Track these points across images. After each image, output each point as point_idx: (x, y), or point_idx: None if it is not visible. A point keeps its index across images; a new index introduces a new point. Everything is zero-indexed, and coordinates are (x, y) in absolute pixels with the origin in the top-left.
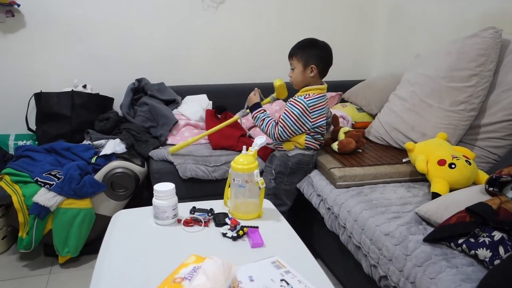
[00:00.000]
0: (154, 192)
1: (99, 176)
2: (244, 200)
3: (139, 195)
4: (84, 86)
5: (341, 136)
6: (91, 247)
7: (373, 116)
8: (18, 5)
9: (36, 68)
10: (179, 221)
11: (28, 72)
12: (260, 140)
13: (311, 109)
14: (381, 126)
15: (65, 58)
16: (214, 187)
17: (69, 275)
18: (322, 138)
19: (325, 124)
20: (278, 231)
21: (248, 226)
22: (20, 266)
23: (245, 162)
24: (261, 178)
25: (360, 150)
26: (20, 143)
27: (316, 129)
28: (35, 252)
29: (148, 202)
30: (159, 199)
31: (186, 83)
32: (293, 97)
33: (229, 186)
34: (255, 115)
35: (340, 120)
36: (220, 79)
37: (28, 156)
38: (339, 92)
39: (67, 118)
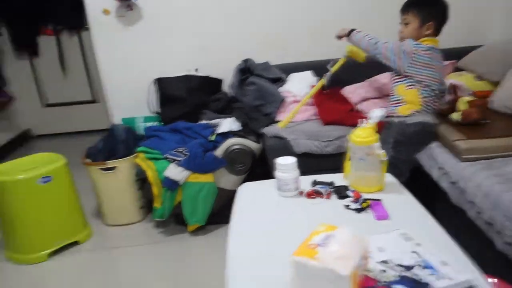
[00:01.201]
0: (276, 166)
1: (219, 152)
2: (364, 173)
3: (253, 170)
4: (196, 70)
5: (462, 105)
6: (215, 217)
7: (495, 84)
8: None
9: (155, 55)
10: (301, 193)
11: (148, 59)
12: (378, 112)
13: (414, 54)
14: (508, 93)
15: (177, 45)
16: (328, 162)
17: (198, 242)
18: (437, 101)
19: (437, 79)
20: (402, 204)
21: (370, 199)
22: (156, 233)
23: (364, 135)
24: (383, 151)
25: (488, 121)
26: (148, 124)
27: (425, 82)
28: (168, 221)
29: (262, 177)
30: (282, 172)
31: (291, 61)
32: None
33: (349, 159)
34: (357, 35)
35: None
36: (324, 55)
37: (156, 136)
38: (453, 61)
39: (184, 100)
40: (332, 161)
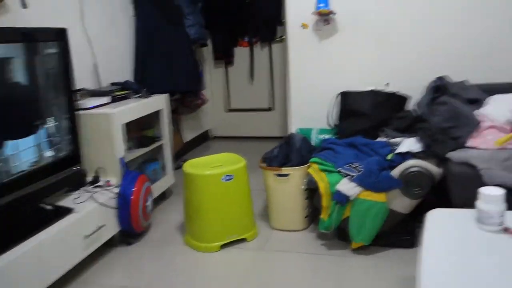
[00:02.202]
0: (480, 195)
1: (395, 172)
2: None
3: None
4: (387, 84)
5: None
6: (380, 239)
7: None
8: (334, 14)
9: (343, 68)
10: (505, 229)
11: (336, 72)
12: None
13: None
14: None
15: (369, 59)
16: None
17: (359, 261)
18: None
19: None
20: None
21: None
22: (317, 244)
23: None
24: None
25: None
26: (321, 136)
27: None
28: (331, 234)
29: (434, 206)
30: (487, 203)
31: (495, 80)
32: None
33: None
34: None
35: None
36: None
37: (331, 149)
38: None
39: (367, 115)
40: None
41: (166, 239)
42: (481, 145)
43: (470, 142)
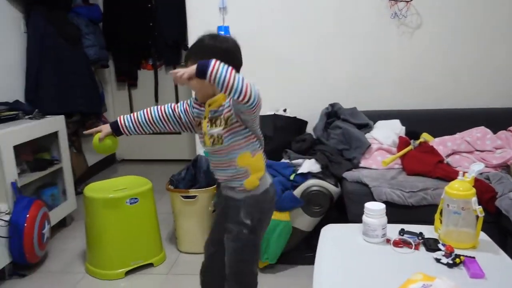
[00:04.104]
0: (365, 210)
1: (297, 192)
2: (458, 228)
3: (328, 213)
4: (285, 110)
5: None
6: (286, 256)
7: None
8: None
9: None
10: (387, 241)
11: None
12: (477, 166)
13: None
14: None
15: (268, 85)
16: (409, 213)
17: (267, 280)
18: None
19: None
20: (497, 264)
21: (464, 255)
22: None
23: (461, 188)
24: (480, 206)
25: None
26: None
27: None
28: None
29: (336, 221)
30: (370, 217)
31: (378, 108)
32: None
33: (441, 212)
34: (216, 68)
35: None
36: (413, 105)
37: None
38: None
39: (269, 138)
40: (415, 213)
41: (65, 269)
42: (372, 165)
43: (362, 163)
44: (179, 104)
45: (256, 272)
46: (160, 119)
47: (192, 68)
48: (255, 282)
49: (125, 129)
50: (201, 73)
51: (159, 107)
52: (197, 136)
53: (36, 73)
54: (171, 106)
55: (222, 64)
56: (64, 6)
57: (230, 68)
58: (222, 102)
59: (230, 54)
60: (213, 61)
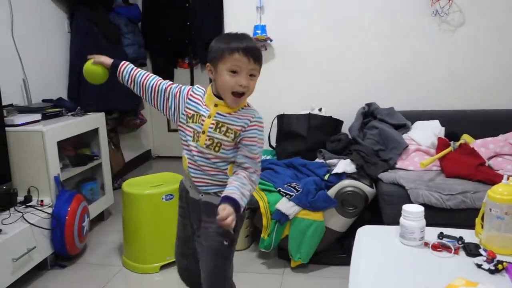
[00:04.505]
0: (403, 212)
1: (331, 192)
2: (500, 233)
3: (362, 214)
4: (320, 109)
5: None
6: (319, 256)
7: None
8: (271, 40)
9: (280, 92)
10: (425, 244)
11: (273, 96)
12: None
13: None
14: None
15: (304, 84)
16: (447, 216)
17: (299, 279)
18: None
19: None
20: None
21: (507, 262)
22: (258, 263)
23: (505, 193)
24: None
25: None
26: (262, 157)
27: None
28: (271, 253)
29: (370, 223)
30: (408, 220)
31: (417, 108)
32: (252, 118)
33: (482, 217)
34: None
35: None
36: (453, 105)
37: (271, 169)
38: None
39: (304, 137)
40: (453, 216)
41: (103, 261)
42: (409, 166)
43: (399, 164)
44: (173, 86)
45: (232, 275)
46: (152, 89)
47: (230, 212)
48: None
49: (121, 74)
50: (237, 211)
51: (157, 78)
52: None
53: (78, 72)
54: (166, 83)
55: (243, 197)
56: (105, 6)
57: (248, 193)
58: (232, 110)
59: None
60: (239, 200)
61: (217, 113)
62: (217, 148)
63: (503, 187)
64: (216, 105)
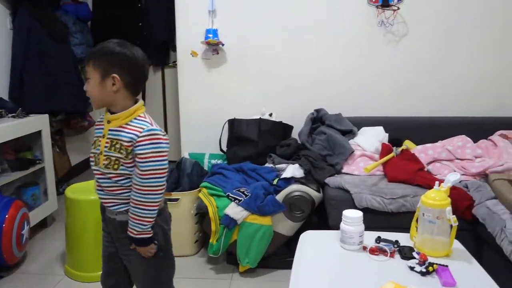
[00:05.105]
0: (343, 218)
1: (280, 197)
2: (432, 236)
3: (309, 218)
4: (270, 115)
5: None
6: (267, 261)
7: None
8: (223, 45)
9: (231, 97)
10: (364, 248)
11: (224, 100)
12: (453, 177)
13: None
14: None
15: (255, 89)
16: (389, 220)
17: (247, 283)
18: None
19: None
20: (470, 273)
21: (437, 264)
22: (207, 269)
23: (437, 198)
24: (454, 216)
25: None
26: (213, 161)
27: None
28: (220, 258)
29: (317, 227)
30: (347, 225)
31: (363, 114)
32: (140, 134)
33: (417, 220)
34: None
35: None
36: (397, 112)
37: (221, 174)
38: None
39: (254, 142)
40: (395, 220)
41: (44, 270)
42: (354, 171)
43: (345, 169)
44: None
45: (169, 280)
46: None
47: (141, 249)
48: None
49: None
50: (140, 243)
51: None
52: (182, 137)
53: (20, 71)
54: None
55: (139, 227)
56: (50, 3)
57: (141, 217)
58: (122, 123)
59: (133, 63)
60: (137, 236)
61: (109, 130)
62: (116, 166)
63: (435, 192)
64: (108, 122)
